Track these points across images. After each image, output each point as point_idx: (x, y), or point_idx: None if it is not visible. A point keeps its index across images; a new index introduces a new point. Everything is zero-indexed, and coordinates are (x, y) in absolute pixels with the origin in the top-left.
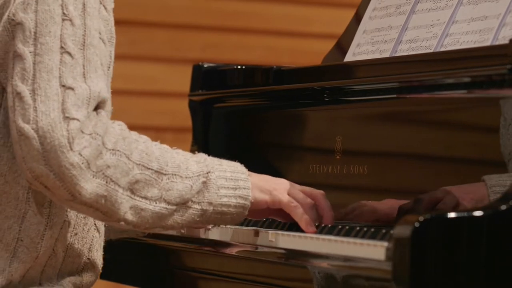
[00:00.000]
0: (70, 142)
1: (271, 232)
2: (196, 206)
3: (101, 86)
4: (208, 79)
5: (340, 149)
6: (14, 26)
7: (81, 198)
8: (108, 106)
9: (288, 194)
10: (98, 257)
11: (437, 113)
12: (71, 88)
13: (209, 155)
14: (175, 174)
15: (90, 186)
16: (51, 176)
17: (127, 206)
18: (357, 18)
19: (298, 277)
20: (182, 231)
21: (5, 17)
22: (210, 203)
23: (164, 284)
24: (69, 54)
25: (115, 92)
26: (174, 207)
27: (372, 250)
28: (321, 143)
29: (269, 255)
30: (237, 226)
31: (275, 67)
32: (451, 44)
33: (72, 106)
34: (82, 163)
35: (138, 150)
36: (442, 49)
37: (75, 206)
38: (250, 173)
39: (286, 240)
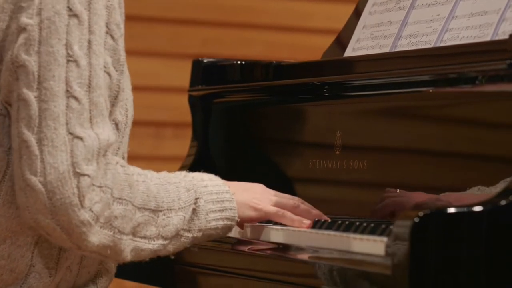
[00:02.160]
0: (81, 200)
1: (270, 227)
2: (187, 234)
3: (108, 133)
4: (208, 74)
5: (340, 144)
6: (17, 67)
7: (87, 249)
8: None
9: (272, 204)
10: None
11: (437, 108)
12: (80, 138)
13: (208, 150)
14: (170, 209)
15: (97, 238)
16: (57, 230)
17: (128, 249)
18: (357, 13)
19: (298, 272)
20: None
21: (8, 57)
22: (200, 230)
23: (164, 279)
24: (76, 98)
25: None
26: (169, 241)
27: (372, 245)
28: (321, 138)
29: (268, 250)
30: None
31: (274, 62)
32: (451, 39)
33: (83, 160)
34: (92, 219)
35: (140, 192)
36: (442, 44)
37: (80, 252)
38: (232, 186)
39: (286, 235)
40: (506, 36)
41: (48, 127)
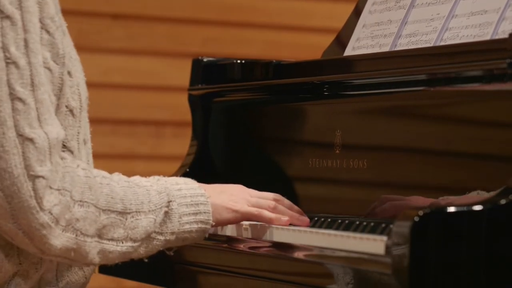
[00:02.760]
0: (39, 202)
1: (270, 226)
2: (160, 237)
3: (57, 129)
4: (207, 73)
5: (340, 143)
6: None
7: (50, 253)
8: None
9: (249, 205)
10: None
11: (437, 107)
12: (30, 139)
13: (208, 149)
14: (138, 211)
15: (59, 241)
16: (20, 234)
17: (95, 252)
18: (357, 12)
19: (297, 271)
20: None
21: None
22: (173, 233)
23: (164, 278)
24: (20, 99)
25: (114, 87)
26: (139, 243)
27: (372, 245)
28: (321, 137)
29: (268, 249)
30: None
31: (274, 61)
32: (451, 38)
33: (36, 162)
34: (52, 222)
35: (103, 195)
36: (442, 43)
37: (43, 256)
38: (208, 188)
39: (285, 235)
40: (506, 35)
41: None
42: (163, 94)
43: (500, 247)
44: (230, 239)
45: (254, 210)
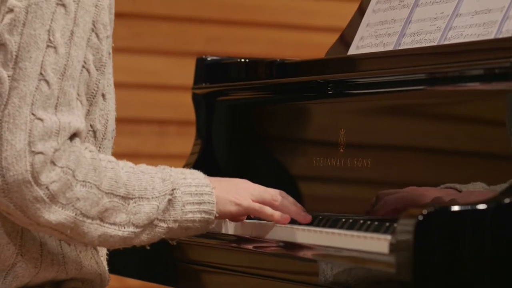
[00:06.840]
0: (35, 176)
1: (273, 225)
2: (162, 224)
3: (71, 119)
4: (211, 72)
5: (344, 142)
6: None
7: (45, 225)
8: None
9: (253, 200)
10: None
11: (441, 107)
12: (40, 119)
13: (212, 148)
14: (141, 197)
15: (55, 217)
16: (11, 207)
17: (95, 234)
18: (361, 11)
19: (302, 270)
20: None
21: None
22: (176, 221)
23: (167, 277)
24: (47, 82)
25: (118, 85)
26: (141, 229)
27: (376, 243)
28: (325, 136)
29: (272, 248)
30: None
31: (278, 60)
32: (455, 37)
33: (39, 140)
34: (47, 197)
35: (107, 178)
36: (446, 42)
37: (39, 229)
38: (214, 181)
39: (290, 233)
40: (510, 34)
41: (13, 105)
42: (167, 93)
43: (504, 246)
44: (233, 238)
45: (257, 205)
